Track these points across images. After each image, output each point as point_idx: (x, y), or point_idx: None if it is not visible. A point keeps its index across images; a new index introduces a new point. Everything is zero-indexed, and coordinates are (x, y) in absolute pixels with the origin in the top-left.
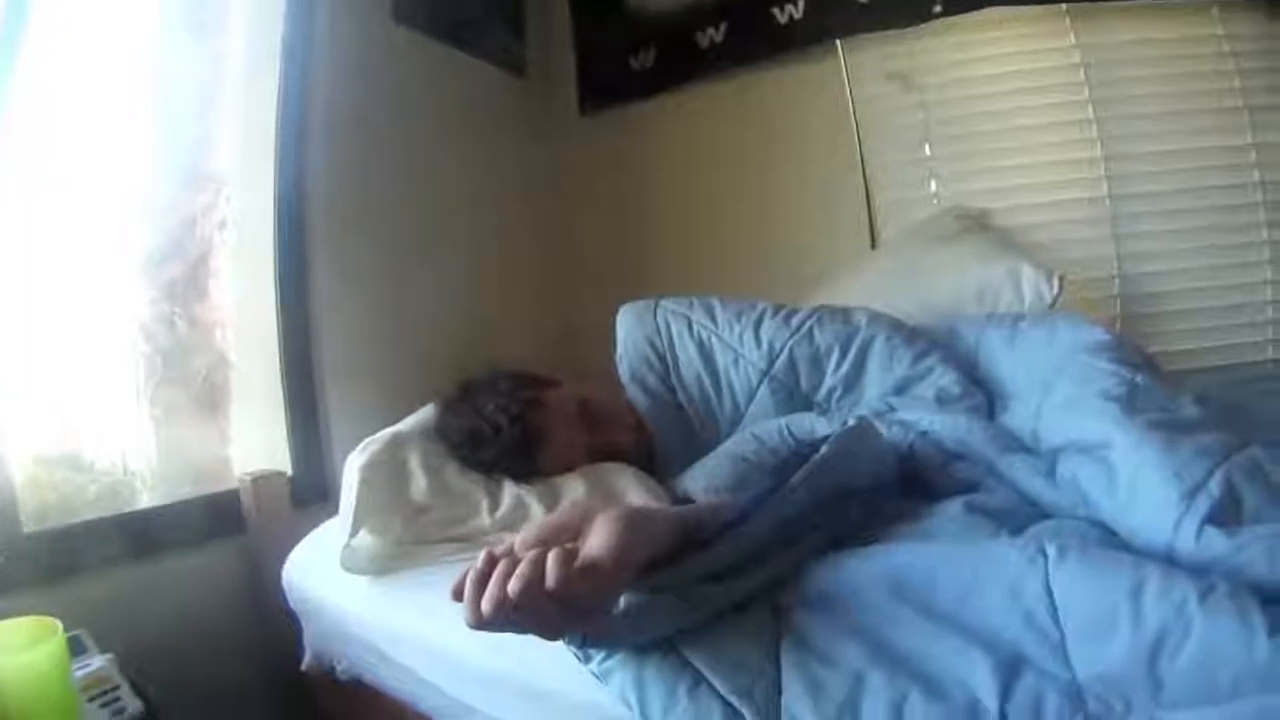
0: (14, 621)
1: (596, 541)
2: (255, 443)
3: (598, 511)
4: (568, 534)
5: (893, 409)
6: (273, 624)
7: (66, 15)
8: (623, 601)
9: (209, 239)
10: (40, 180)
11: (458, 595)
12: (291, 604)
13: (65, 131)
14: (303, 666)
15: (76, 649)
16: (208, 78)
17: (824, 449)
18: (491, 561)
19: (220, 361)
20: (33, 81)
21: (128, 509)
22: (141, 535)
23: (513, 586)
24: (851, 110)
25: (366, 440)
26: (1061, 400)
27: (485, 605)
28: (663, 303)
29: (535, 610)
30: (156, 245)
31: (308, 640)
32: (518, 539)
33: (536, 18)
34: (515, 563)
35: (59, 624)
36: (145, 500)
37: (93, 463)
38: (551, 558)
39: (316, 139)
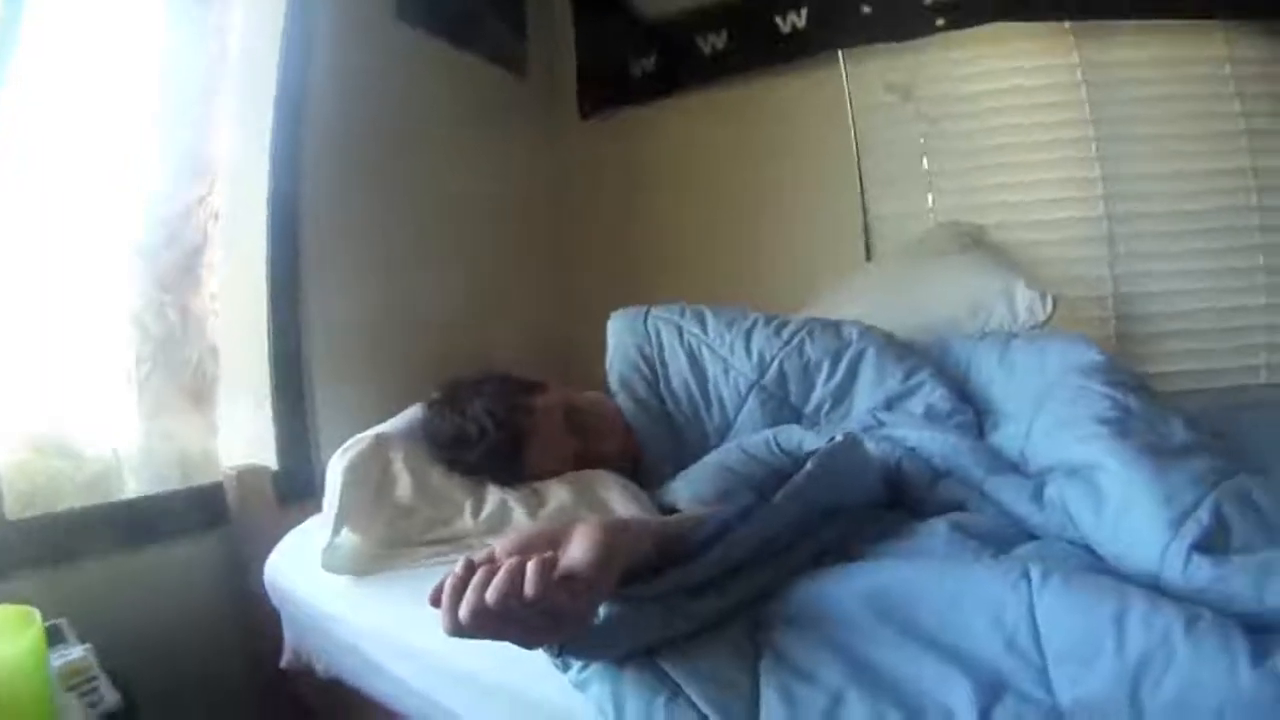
0: None
1: (576, 551)
2: (242, 435)
3: (579, 521)
4: (548, 543)
5: (881, 424)
6: (255, 618)
7: (68, 6)
8: (602, 612)
9: (204, 229)
10: (35, 167)
11: (435, 601)
12: (273, 601)
13: (62, 120)
14: (282, 663)
15: (55, 638)
16: (208, 69)
17: (809, 464)
18: (470, 568)
19: (211, 353)
20: (31, 70)
21: (114, 497)
22: (125, 525)
23: (490, 595)
24: (851, 122)
25: (350, 440)
26: (1052, 421)
27: (463, 612)
28: (653, 310)
29: (513, 619)
30: (152, 234)
31: (288, 637)
32: (498, 546)
33: (539, 17)
34: (494, 570)
35: (37, 613)
36: (132, 488)
37: (82, 449)
38: (531, 566)
39: (313, 134)
